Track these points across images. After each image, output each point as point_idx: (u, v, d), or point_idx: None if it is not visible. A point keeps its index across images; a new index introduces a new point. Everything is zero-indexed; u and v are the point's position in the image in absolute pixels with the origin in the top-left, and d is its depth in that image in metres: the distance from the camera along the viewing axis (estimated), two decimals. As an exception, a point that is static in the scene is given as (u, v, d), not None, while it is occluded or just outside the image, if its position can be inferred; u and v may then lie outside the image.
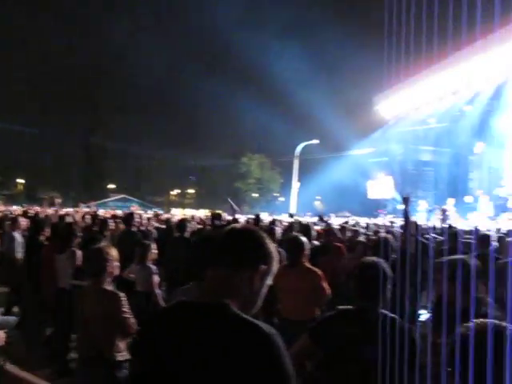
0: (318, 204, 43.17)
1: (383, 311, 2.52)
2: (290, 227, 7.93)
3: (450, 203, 25.57)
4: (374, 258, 2.76)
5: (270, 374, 1.33)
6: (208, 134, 54.24)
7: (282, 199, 46.40)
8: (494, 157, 30.64)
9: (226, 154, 50.56)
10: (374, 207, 32.76)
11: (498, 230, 9.35)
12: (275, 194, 50.81)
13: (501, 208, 23.75)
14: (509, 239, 6.41)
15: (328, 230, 7.12)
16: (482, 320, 1.31)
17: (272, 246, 1.61)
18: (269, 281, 1.59)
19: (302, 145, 35.96)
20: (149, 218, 10.90)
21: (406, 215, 4.60)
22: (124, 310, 3.51)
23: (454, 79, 23.61)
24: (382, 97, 29.85)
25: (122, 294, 3.57)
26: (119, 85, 60.83)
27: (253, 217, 10.54)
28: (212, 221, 8.50)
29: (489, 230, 9.08)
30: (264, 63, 47.00)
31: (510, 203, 23.66)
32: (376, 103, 30.74)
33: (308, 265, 4.57)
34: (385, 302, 2.61)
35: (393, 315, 2.51)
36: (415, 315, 3.78)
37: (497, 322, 1.29)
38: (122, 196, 49.14)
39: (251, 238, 1.57)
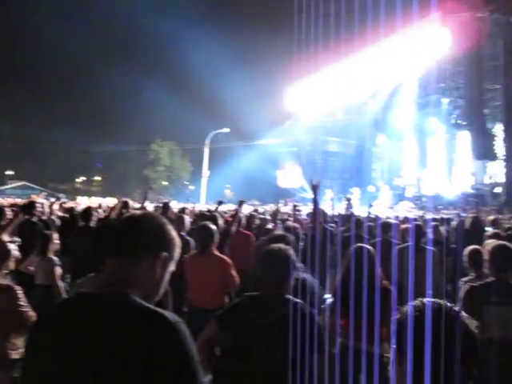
0: (227, 192, 43.38)
1: (289, 297, 2.57)
2: (200, 216, 7.85)
3: (355, 192, 26.94)
4: (281, 245, 2.79)
5: (175, 362, 1.30)
6: (118, 120, 52.22)
7: (192, 187, 46.05)
8: (393, 149, 32.66)
9: (135, 140, 49.03)
10: (283, 196, 33.56)
11: (397, 218, 9.95)
12: (185, 183, 50.32)
13: (399, 197, 25.45)
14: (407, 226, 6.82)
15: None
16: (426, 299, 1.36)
17: (174, 233, 1.55)
18: (171, 268, 1.54)
19: (212, 133, 35.95)
20: (51, 207, 10.28)
21: (315, 203, 4.71)
22: (20, 304, 3.29)
23: (359, 75, 24.76)
24: (292, 88, 30.59)
25: (17, 288, 3.35)
26: (22, 64, 56.75)
27: (161, 205, 10.33)
28: (120, 209, 8.21)
29: (388, 218, 9.65)
30: (177, 50, 46.20)
31: (407, 192, 25.42)
32: (286, 94, 31.43)
33: (217, 253, 4.57)
34: (290, 288, 2.66)
35: (298, 300, 2.57)
36: (322, 299, 3.91)
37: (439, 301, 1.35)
38: (22, 183, 46.08)
39: (150, 224, 1.50)
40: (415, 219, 7.55)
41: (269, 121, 33.57)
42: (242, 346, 2.50)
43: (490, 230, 5.91)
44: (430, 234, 5.92)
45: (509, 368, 3.16)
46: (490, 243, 3.76)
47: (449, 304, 1.33)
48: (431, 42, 20.01)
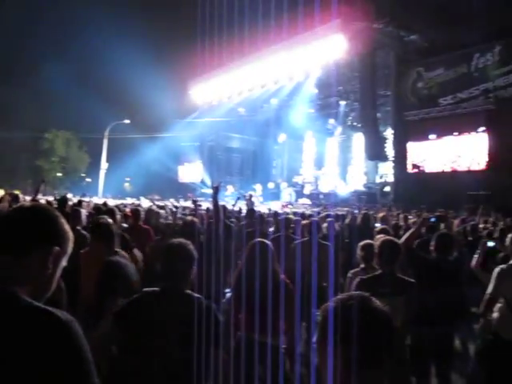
0: (127, 186, 42.03)
1: (188, 291, 2.55)
2: (97, 210, 7.51)
3: (258, 188, 27.48)
4: (181, 240, 2.76)
5: (67, 362, 1.22)
6: (7, 105, 48.24)
7: (89, 180, 43.93)
8: (293, 147, 33.75)
9: (28, 127, 45.53)
10: (183, 191, 33.28)
11: (295, 214, 10.29)
12: (82, 175, 47.85)
13: (298, 194, 26.36)
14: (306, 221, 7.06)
15: (135, 212, 6.93)
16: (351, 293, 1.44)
17: (66, 226, 1.46)
18: (63, 263, 1.44)
19: (112, 124, 34.58)
20: None
21: (215, 202, 4.71)
22: None
23: (261, 73, 25.18)
24: (197, 82, 30.39)
25: None
26: None
27: (56, 198, 9.75)
28: (9, 202, 7.62)
29: (287, 214, 9.93)
30: (78, 37, 43.88)
31: (305, 190, 26.38)
32: (190, 88, 31.16)
33: (115, 249, 4.40)
34: (190, 283, 2.64)
35: (197, 295, 2.55)
36: (222, 294, 3.93)
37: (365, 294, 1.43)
38: None
39: (41, 217, 1.40)
40: (312, 215, 7.84)
41: (172, 114, 33.01)
42: (139, 344, 2.43)
43: (378, 225, 6.30)
44: (325, 230, 6.18)
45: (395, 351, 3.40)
46: (379, 238, 3.99)
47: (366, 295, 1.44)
48: (330, 47, 20.90)
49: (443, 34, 19.77)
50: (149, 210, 8.34)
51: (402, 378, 3.76)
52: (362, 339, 1.26)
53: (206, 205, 13.38)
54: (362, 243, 4.46)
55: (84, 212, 6.40)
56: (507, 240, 4.20)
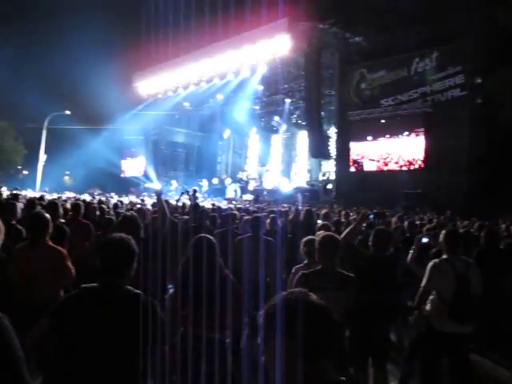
0: (67, 179, 40.54)
1: (128, 287, 2.50)
2: (31, 203, 7.20)
3: (204, 184, 27.37)
4: (122, 235, 2.68)
5: None
6: None
7: (26, 172, 42.01)
8: (238, 143, 33.85)
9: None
10: (127, 184, 32.59)
11: (239, 210, 10.33)
12: (18, 167, 45.64)
13: (243, 190, 26.46)
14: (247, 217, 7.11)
15: (75, 207, 6.72)
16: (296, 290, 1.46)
17: None
18: None
19: (52, 115, 33.20)
20: None
21: (160, 203, 4.63)
22: None
23: (208, 68, 25.05)
24: (142, 75, 29.79)
25: None
26: None
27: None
28: None
29: (231, 209, 9.97)
30: (18, 23, 41.71)
31: (249, 186, 26.52)
32: (135, 81, 30.50)
33: (51, 244, 4.26)
34: (131, 278, 2.58)
35: (137, 291, 2.50)
36: (165, 289, 3.89)
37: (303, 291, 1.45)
38: None
39: None
40: (255, 211, 7.91)
41: (116, 107, 32.10)
42: (75, 343, 2.35)
43: (320, 222, 6.43)
44: (268, 226, 6.25)
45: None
46: (320, 234, 4.09)
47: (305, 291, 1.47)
48: (276, 45, 21.10)
49: (385, 38, 20.43)
50: (88, 204, 8.13)
51: (340, 368, 3.89)
52: (304, 334, 1.29)
53: (149, 200, 13.19)
54: (305, 239, 4.52)
55: (20, 205, 6.15)
56: (440, 236, 4.42)
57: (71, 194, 17.51)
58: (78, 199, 11.04)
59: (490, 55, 16.17)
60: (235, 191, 26.39)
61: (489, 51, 16.25)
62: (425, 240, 5.09)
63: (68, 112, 33.41)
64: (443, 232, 4.42)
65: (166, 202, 7.78)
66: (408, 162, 19.93)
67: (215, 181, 29.14)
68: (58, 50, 36.50)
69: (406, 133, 20.08)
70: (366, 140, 21.60)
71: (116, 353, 2.31)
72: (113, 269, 2.48)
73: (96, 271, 2.60)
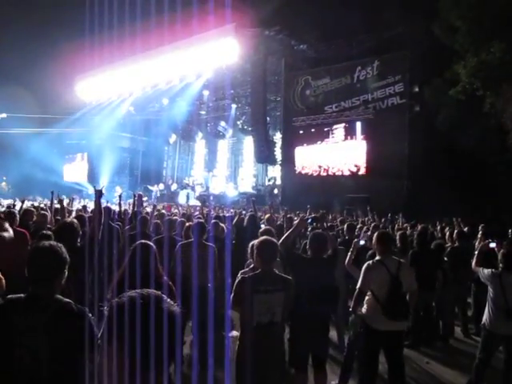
0: (3, 186, 38.65)
1: (58, 297, 2.42)
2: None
3: (154, 189, 26.98)
4: (52, 242, 2.59)
5: None
6: None
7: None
8: (184, 148, 33.64)
9: None
10: (69, 191, 31.54)
11: (183, 215, 10.27)
12: None
13: (188, 196, 26.24)
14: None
15: (9, 215, 6.43)
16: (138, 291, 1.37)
17: None
18: None
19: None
20: None
21: (98, 206, 4.51)
22: None
23: (154, 72, 24.74)
24: (85, 78, 29.02)
25: None
26: None
27: None
28: None
29: (174, 216, 9.87)
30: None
31: (196, 191, 26.36)
32: (77, 84, 29.68)
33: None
34: (62, 288, 2.50)
35: (67, 300, 2.42)
36: (104, 299, 3.81)
37: (152, 293, 1.38)
38: None
39: None
40: (198, 217, 7.88)
41: (58, 110, 31.01)
42: (2, 356, 2.24)
43: (263, 226, 6.50)
44: (211, 231, 6.24)
45: (270, 346, 3.59)
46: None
47: (157, 293, 1.38)
48: (223, 50, 21.15)
49: (330, 47, 20.98)
50: (26, 211, 7.81)
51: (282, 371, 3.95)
52: (143, 339, 1.22)
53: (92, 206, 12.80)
54: (250, 244, 4.56)
55: None
56: (373, 238, 4.58)
57: (7, 201, 16.78)
58: (14, 207, 10.60)
59: (427, 66, 16.92)
60: (187, 196, 26.09)
61: (425, 62, 17.00)
62: (362, 243, 5.26)
63: (3, 115, 32.02)
64: (375, 234, 4.59)
65: (108, 208, 7.63)
66: (351, 167, 20.46)
67: (161, 186, 28.77)
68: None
69: (349, 139, 20.62)
70: (310, 145, 21.99)
71: (43, 366, 2.22)
72: (40, 278, 2.39)
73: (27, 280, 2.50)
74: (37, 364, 2.21)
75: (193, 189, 27.09)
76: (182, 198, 25.89)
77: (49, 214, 7.31)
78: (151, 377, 1.26)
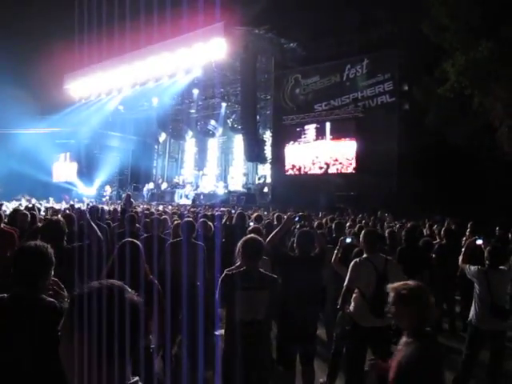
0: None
1: (42, 296, 2.39)
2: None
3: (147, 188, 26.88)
4: (38, 242, 2.57)
5: None
6: None
7: None
8: (174, 147, 33.55)
9: None
10: (58, 191, 31.32)
11: (173, 214, 10.23)
12: None
13: (177, 194, 26.18)
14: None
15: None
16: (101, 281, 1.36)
17: None
18: None
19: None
20: None
21: (91, 207, 4.50)
22: None
23: (143, 70, 24.66)
24: (73, 76, 28.84)
25: None
26: None
27: None
28: None
29: (163, 214, 9.83)
30: None
31: (185, 190, 26.28)
32: (67, 82, 29.48)
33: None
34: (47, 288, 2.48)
35: (51, 299, 2.40)
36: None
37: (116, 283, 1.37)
38: None
39: None
40: (188, 216, 7.86)
41: (46, 109, 30.76)
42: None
43: (251, 224, 6.51)
44: (200, 230, 6.22)
45: (254, 343, 3.59)
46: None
47: (118, 283, 1.36)
48: (212, 49, 21.13)
49: (319, 45, 21.02)
50: (15, 211, 7.76)
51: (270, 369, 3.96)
52: (107, 329, 1.22)
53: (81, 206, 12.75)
54: (240, 242, 4.55)
55: None
56: (361, 236, 4.60)
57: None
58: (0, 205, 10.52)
59: (416, 64, 17.02)
60: (187, 196, 25.92)
61: (414, 60, 17.10)
62: (348, 240, 5.27)
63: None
64: (362, 232, 4.61)
65: (95, 207, 7.61)
66: (341, 165, 20.52)
67: (151, 185, 28.65)
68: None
69: (339, 137, 20.67)
70: (300, 144, 22.03)
71: (27, 367, 2.20)
72: (24, 278, 2.38)
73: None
74: (20, 364, 2.19)
75: (183, 187, 27.01)
76: (177, 197, 25.74)
77: (32, 213, 7.25)
78: (115, 367, 1.25)
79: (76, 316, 1.26)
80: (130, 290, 1.36)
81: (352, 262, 4.45)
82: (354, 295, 4.45)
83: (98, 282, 1.34)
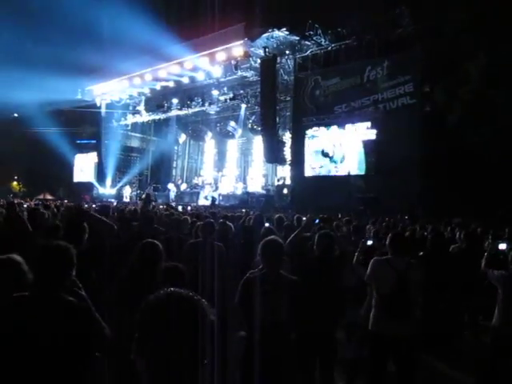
0: (14, 185, 38.89)
1: (62, 295, 2.40)
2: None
3: (172, 188, 27.10)
4: (61, 242, 2.59)
5: None
6: None
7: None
8: (194, 148, 33.75)
9: None
10: (79, 190, 31.79)
11: (192, 215, 10.26)
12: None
13: (197, 195, 26.30)
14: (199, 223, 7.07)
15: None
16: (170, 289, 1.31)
17: None
18: None
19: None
20: None
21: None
22: None
23: (164, 72, 24.88)
24: (96, 78, 29.18)
25: None
26: None
27: None
28: None
29: (183, 214, 9.88)
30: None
31: (205, 191, 26.39)
32: (89, 84, 29.86)
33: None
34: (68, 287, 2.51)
35: (71, 298, 2.42)
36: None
37: (184, 291, 1.32)
38: None
39: None
40: (207, 216, 7.88)
41: (68, 110, 31.18)
42: (8, 351, 2.25)
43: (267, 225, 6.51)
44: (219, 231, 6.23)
45: (274, 346, 3.57)
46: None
47: (191, 293, 1.33)
48: (233, 50, 21.23)
49: (339, 47, 20.94)
50: (34, 210, 7.87)
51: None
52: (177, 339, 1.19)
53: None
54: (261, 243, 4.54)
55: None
56: (387, 239, 4.56)
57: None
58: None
59: (437, 65, 16.81)
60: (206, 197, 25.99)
61: (435, 61, 16.89)
62: (369, 242, 5.23)
63: (15, 114, 32.34)
64: (389, 235, 4.56)
65: (106, 205, 7.69)
66: (361, 167, 20.36)
67: (171, 186, 28.85)
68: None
69: (359, 138, 20.52)
70: (319, 145, 21.93)
71: (51, 365, 2.22)
72: (45, 278, 2.41)
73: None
74: (42, 362, 2.22)
75: (202, 188, 27.12)
76: (196, 198, 25.82)
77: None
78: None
79: (150, 328, 1.23)
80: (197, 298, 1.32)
81: (372, 260, 4.44)
82: (372, 300, 4.42)
83: (170, 291, 1.31)
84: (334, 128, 21.48)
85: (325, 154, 21.64)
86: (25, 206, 11.03)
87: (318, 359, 4.46)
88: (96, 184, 30.84)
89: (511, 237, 7.46)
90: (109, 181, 30.33)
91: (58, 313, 2.30)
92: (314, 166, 22.17)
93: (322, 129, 21.91)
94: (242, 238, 7.19)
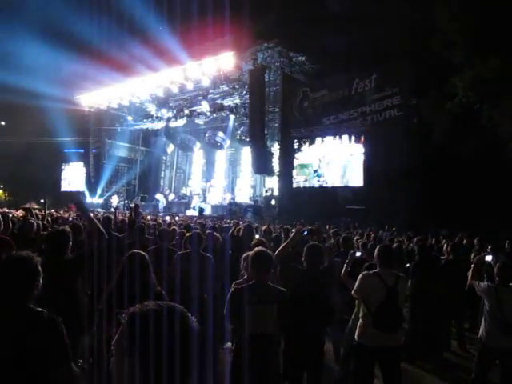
0: (0, 194, 38.56)
1: (30, 306, 2.40)
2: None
3: (161, 199, 26.95)
4: (24, 253, 2.56)
5: None
6: None
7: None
8: (182, 158, 33.70)
9: None
10: (66, 200, 31.51)
11: (180, 226, 10.23)
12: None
13: (185, 206, 26.23)
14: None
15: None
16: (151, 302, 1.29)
17: None
18: None
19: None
20: None
21: (88, 216, 4.49)
22: None
23: (152, 82, 24.93)
24: (84, 87, 29.10)
25: None
26: None
27: None
28: None
29: (171, 225, 9.85)
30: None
31: (193, 202, 26.33)
32: (77, 93, 29.76)
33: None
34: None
35: (39, 309, 2.37)
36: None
37: (166, 303, 1.29)
38: None
39: None
40: (196, 228, 7.86)
41: (55, 119, 30.96)
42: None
43: (257, 237, 6.50)
44: (207, 242, 6.21)
45: (262, 357, 3.56)
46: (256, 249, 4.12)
47: (178, 306, 1.30)
48: (221, 62, 21.36)
49: (328, 59, 21.12)
50: (24, 220, 7.80)
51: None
52: (163, 352, 1.16)
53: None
54: (245, 254, 4.53)
55: None
56: (375, 251, 4.58)
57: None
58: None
59: (424, 78, 17.03)
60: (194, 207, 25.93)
61: (422, 75, 17.11)
62: (358, 254, 5.25)
63: (2, 123, 32.08)
64: (377, 248, 4.58)
65: (108, 217, 7.64)
66: (349, 178, 20.49)
67: (158, 196, 28.76)
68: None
69: (347, 150, 20.66)
70: (306, 157, 22.04)
71: (13, 377, 2.21)
72: (9, 289, 2.41)
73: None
74: (6, 374, 2.20)
75: (190, 199, 27.07)
76: (184, 208, 25.75)
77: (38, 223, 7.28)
78: None
79: (136, 337, 1.19)
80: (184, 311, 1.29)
81: (361, 274, 4.44)
82: (360, 313, 4.42)
83: (156, 302, 1.28)
84: (319, 141, 21.61)
85: (309, 168, 21.79)
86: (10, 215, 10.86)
87: (306, 371, 4.45)
88: (84, 193, 30.63)
89: (497, 249, 7.55)
90: (99, 190, 30.18)
91: (19, 325, 2.29)
92: (298, 180, 22.28)
93: (307, 144, 22.05)
94: (231, 248, 7.17)
